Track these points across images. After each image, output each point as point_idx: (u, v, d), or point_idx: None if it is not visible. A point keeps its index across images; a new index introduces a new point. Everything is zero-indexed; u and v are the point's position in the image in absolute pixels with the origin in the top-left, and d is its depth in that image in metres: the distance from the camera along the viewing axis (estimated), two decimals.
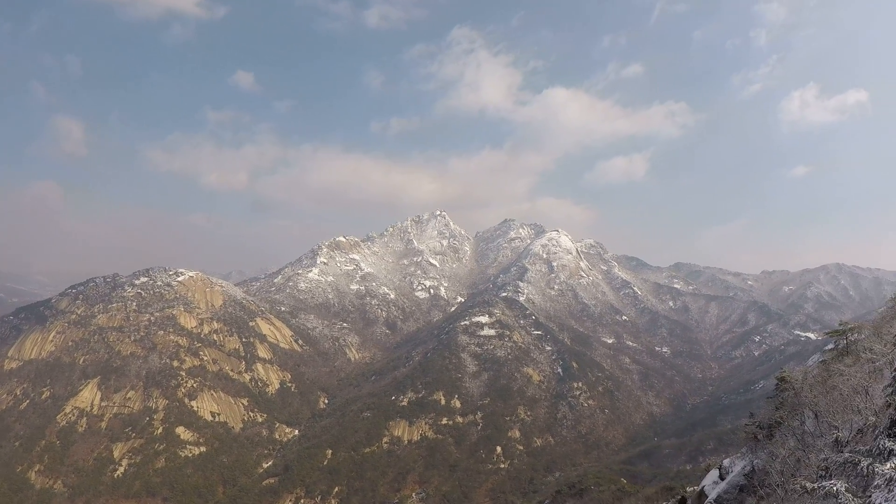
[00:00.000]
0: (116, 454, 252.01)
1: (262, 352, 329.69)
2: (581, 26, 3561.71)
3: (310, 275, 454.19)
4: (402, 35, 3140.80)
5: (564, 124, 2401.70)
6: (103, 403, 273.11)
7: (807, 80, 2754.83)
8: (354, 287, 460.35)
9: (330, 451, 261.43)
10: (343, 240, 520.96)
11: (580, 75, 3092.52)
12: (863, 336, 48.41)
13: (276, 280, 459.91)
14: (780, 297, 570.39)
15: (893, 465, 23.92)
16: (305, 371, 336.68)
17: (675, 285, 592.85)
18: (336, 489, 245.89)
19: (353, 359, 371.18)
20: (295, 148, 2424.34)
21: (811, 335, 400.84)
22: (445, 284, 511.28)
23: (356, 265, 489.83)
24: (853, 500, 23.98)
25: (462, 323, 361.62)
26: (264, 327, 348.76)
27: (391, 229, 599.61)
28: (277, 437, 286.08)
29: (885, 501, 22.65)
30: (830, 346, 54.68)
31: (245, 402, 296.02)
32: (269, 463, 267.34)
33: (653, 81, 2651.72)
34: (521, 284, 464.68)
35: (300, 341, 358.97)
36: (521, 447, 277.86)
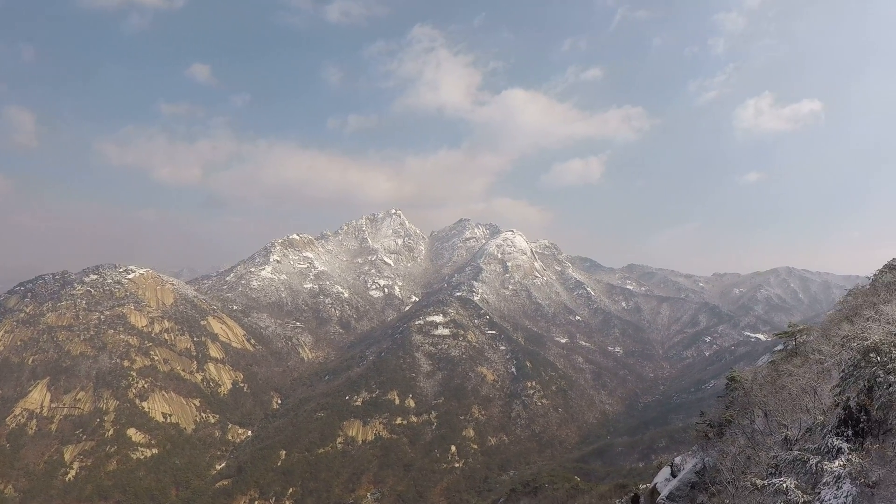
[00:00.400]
0: (67, 457, 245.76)
1: (214, 351, 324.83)
2: (542, 29, 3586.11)
3: (263, 273, 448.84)
4: (363, 31, 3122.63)
5: (522, 126, 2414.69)
6: (53, 405, 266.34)
7: (762, 88, 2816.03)
8: (308, 286, 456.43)
9: (284, 452, 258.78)
10: (297, 238, 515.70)
11: (540, 77, 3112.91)
12: (811, 338, 49.45)
13: (228, 278, 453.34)
14: (731, 299, 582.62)
15: (842, 463, 24.57)
16: (258, 371, 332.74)
17: (628, 286, 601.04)
18: (290, 490, 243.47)
19: (306, 358, 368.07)
20: (250, 143, 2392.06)
21: (761, 336, 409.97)
22: (400, 283, 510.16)
23: (310, 263, 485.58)
24: (802, 496, 24.54)
25: (416, 322, 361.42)
26: (216, 326, 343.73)
27: (346, 227, 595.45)
28: (230, 438, 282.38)
29: (835, 498, 23.24)
30: (780, 347, 55.71)
31: (197, 402, 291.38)
32: (222, 464, 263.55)
33: (611, 86, 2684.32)
34: (475, 284, 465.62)
35: (253, 340, 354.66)
36: (476, 446, 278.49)
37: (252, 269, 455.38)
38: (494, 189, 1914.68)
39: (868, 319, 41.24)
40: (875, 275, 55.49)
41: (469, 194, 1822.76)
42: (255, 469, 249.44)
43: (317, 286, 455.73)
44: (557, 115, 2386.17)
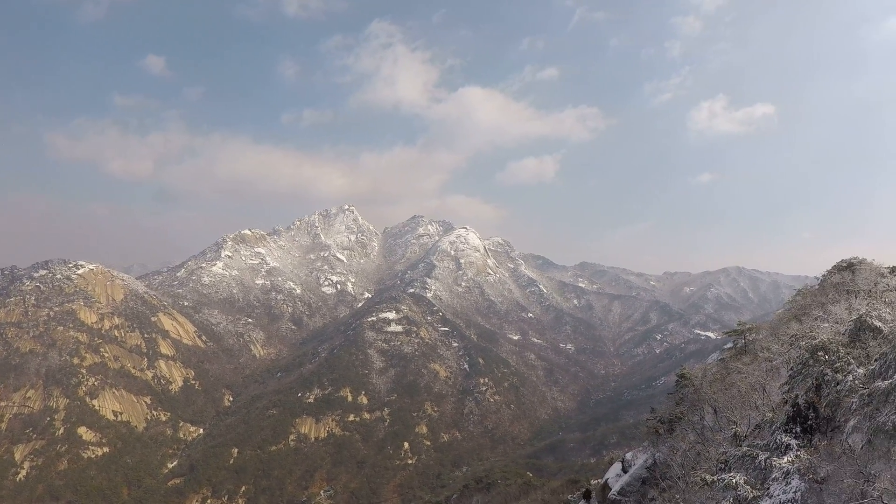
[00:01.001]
0: (17, 456, 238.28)
1: (165, 348, 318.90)
2: (501, 28, 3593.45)
3: (214, 268, 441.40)
4: (321, 25, 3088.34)
5: (478, 123, 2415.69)
6: (2, 403, 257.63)
7: (716, 91, 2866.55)
8: (259, 281, 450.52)
9: (236, 450, 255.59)
10: (248, 233, 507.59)
11: (497, 76, 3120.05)
12: (760, 336, 50.49)
13: (179, 274, 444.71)
14: (682, 298, 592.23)
15: (790, 459, 25.13)
16: (209, 368, 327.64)
17: (580, 284, 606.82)
18: (243, 488, 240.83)
19: (258, 355, 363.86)
20: (204, 137, 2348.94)
21: (711, 334, 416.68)
22: (353, 280, 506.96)
23: (262, 259, 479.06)
24: (752, 492, 25.03)
25: (369, 319, 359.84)
26: (167, 323, 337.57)
27: (298, 223, 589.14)
28: (182, 436, 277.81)
29: (784, 494, 23.76)
30: (729, 345, 56.79)
31: (148, 400, 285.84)
32: (174, 463, 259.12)
33: (568, 85, 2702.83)
34: (428, 281, 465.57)
35: (204, 337, 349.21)
36: (429, 443, 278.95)
37: (203, 265, 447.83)
38: (449, 186, 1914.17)
39: (816, 319, 42.34)
40: (824, 275, 56.81)
41: (424, 191, 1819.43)
42: (208, 467, 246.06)
43: (269, 282, 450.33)
44: (513, 113, 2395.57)
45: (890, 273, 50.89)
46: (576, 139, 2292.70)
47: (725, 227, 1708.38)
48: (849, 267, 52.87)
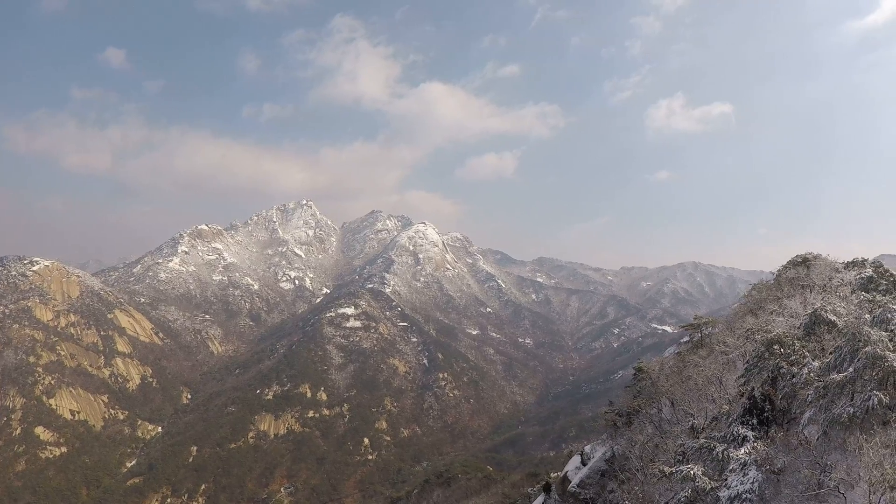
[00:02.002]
0: None
1: (122, 346, 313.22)
2: (464, 24, 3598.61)
3: (170, 264, 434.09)
4: (283, 19, 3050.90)
5: (439, 119, 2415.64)
6: None
7: (675, 90, 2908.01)
8: (217, 277, 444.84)
9: (195, 448, 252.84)
10: (205, 228, 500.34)
11: (458, 72, 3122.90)
12: (716, 330, 51.18)
13: (135, 270, 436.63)
14: (639, 292, 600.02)
15: (747, 451, 25.52)
16: (167, 365, 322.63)
17: (538, 279, 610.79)
18: (203, 487, 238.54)
19: (215, 352, 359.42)
20: (163, 130, 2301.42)
21: (667, 328, 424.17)
22: (311, 275, 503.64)
23: (219, 255, 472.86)
24: (710, 483, 25.39)
25: (328, 315, 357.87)
26: (123, 320, 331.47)
27: (255, 218, 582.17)
28: (140, 434, 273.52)
29: (741, 484, 24.11)
30: (686, 338, 57.36)
31: (105, 398, 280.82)
32: (133, 462, 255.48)
33: (528, 83, 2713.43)
34: (387, 276, 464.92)
35: (161, 334, 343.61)
36: (389, 438, 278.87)
37: (160, 261, 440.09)
38: (409, 182, 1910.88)
39: (772, 313, 43.00)
40: (779, 270, 57.68)
41: (384, 186, 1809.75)
42: (167, 466, 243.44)
43: (226, 278, 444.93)
44: (474, 109, 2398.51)
45: (844, 268, 51.99)
46: (536, 136, 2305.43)
47: (682, 223, 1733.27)
48: (803, 262, 53.78)
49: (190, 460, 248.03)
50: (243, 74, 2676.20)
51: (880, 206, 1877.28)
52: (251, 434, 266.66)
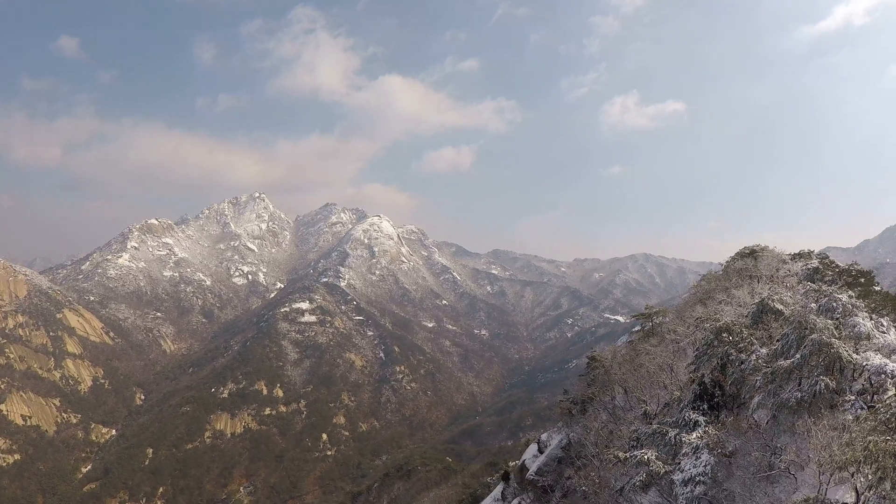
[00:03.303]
0: None
1: (72, 346, 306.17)
2: (425, 19, 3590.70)
3: (120, 261, 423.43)
4: (243, 8, 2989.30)
5: (397, 112, 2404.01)
6: None
7: (630, 87, 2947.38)
8: (168, 273, 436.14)
9: (151, 450, 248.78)
10: (156, 222, 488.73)
11: (418, 66, 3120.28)
12: (667, 319, 52.39)
13: (83, 267, 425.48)
14: (592, 283, 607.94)
15: (699, 435, 26.39)
16: (119, 366, 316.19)
17: (493, 271, 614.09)
18: (161, 489, 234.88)
19: (168, 350, 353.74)
20: (115, 122, 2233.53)
21: (620, 318, 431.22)
22: (264, 270, 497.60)
23: (170, 250, 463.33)
24: (663, 467, 26.21)
25: (282, 310, 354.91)
26: (73, 319, 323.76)
27: (207, 212, 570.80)
28: (94, 438, 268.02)
29: (694, 468, 24.96)
30: (637, 328, 58.54)
31: (57, 402, 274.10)
32: (88, 467, 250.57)
33: (487, 78, 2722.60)
34: (342, 270, 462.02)
35: (112, 333, 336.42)
36: (347, 433, 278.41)
37: (109, 257, 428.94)
38: (366, 175, 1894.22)
39: (720, 302, 44.35)
40: (727, 261, 59.47)
41: (340, 179, 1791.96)
42: (123, 470, 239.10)
43: (177, 274, 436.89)
44: (433, 103, 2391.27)
45: (791, 260, 53.83)
46: (493, 130, 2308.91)
47: (634, 216, 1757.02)
48: (751, 254, 55.42)
49: (146, 463, 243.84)
50: (199, 64, 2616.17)
51: (827, 202, 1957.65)
52: (207, 434, 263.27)
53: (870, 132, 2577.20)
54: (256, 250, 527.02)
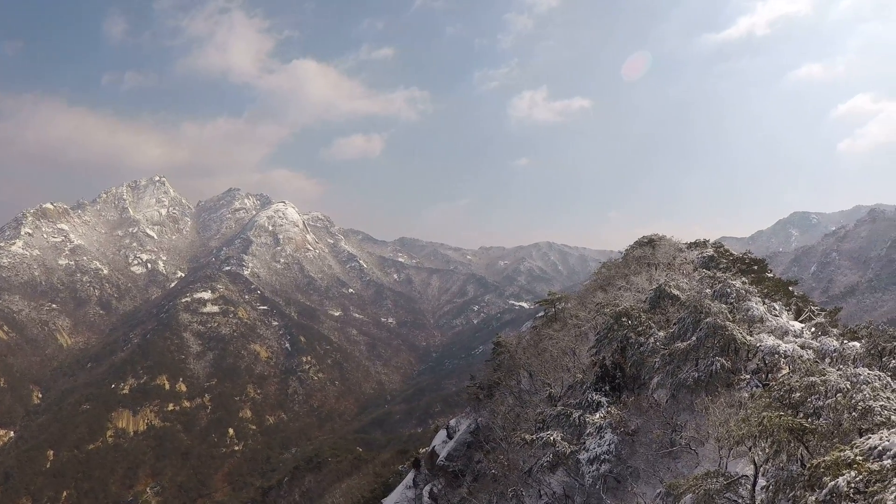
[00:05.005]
0: None
1: None
2: (344, 4, 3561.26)
3: (13, 248, 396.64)
4: None
5: (309, 97, 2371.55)
6: None
7: (540, 83, 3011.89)
8: (63, 262, 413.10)
9: (52, 452, 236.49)
10: (50, 207, 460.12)
11: (333, 52, 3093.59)
12: (569, 305, 54.17)
13: None
14: (497, 271, 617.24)
15: (602, 415, 27.66)
16: (13, 362, 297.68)
17: (400, 259, 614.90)
18: (65, 494, 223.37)
19: (65, 344, 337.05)
20: (15, 97, 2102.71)
21: (524, 304, 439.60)
22: (164, 258, 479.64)
23: (65, 237, 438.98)
24: (569, 447, 27.35)
25: (183, 300, 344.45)
26: None
27: (104, 196, 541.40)
28: None
29: (598, 447, 26.17)
30: (541, 313, 60.27)
31: None
32: None
33: (401, 67, 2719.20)
34: (245, 258, 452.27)
35: (5, 327, 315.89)
36: (255, 427, 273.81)
37: (2, 244, 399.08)
38: (273, 160, 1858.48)
39: (620, 289, 46.29)
40: (627, 250, 62.30)
41: (246, 164, 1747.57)
42: (23, 474, 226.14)
43: (73, 262, 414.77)
44: (345, 90, 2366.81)
45: (688, 248, 56.59)
46: (404, 119, 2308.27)
47: (539, 206, 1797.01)
48: (649, 242, 58.02)
49: (48, 466, 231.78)
50: (108, 39, 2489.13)
51: (723, 195, 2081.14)
52: (109, 433, 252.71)
53: (768, 132, 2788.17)
54: (156, 237, 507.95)
